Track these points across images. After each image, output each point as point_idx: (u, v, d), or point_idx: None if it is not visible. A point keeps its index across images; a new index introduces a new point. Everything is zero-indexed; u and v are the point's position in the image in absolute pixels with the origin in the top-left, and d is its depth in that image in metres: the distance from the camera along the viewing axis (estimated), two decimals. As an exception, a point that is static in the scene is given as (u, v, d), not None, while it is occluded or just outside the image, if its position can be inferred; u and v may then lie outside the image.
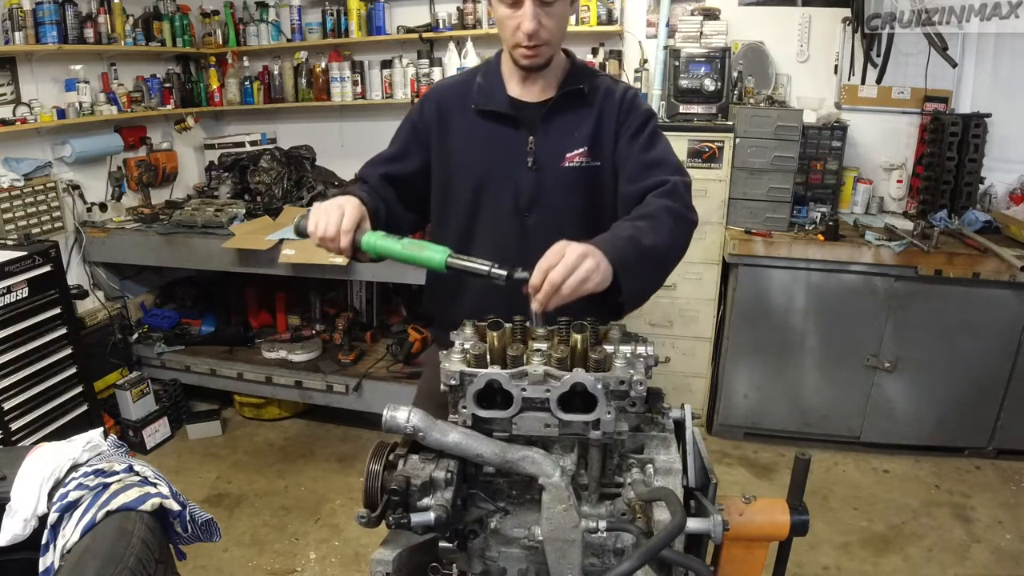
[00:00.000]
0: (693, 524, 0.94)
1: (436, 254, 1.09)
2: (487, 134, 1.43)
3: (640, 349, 1.03)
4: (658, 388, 1.12)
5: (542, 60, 1.35)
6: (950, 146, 3.07)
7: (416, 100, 1.53)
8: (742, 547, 1.06)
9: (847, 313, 3.01)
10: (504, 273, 1.08)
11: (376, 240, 1.16)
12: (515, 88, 1.43)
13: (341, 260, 2.86)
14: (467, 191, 1.45)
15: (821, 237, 2.96)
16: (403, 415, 0.95)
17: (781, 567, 1.09)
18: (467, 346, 1.04)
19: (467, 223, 1.47)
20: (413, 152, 1.47)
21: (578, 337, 1.00)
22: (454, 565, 1.07)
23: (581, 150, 1.42)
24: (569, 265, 1.03)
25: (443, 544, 1.05)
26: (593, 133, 1.42)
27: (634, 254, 1.14)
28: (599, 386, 0.94)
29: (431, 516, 0.91)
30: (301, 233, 1.22)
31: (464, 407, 0.98)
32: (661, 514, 0.93)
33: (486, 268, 1.08)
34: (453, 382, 0.97)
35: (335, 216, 1.18)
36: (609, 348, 1.03)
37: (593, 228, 1.42)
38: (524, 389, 0.96)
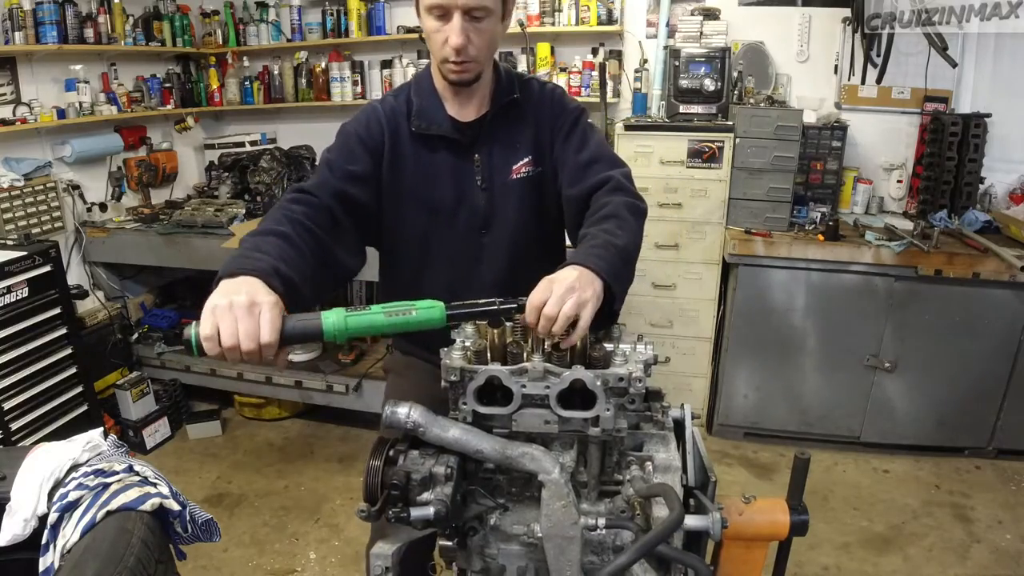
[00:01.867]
0: (692, 521, 0.95)
1: (432, 311, 0.96)
2: (434, 158, 1.39)
3: (639, 348, 1.04)
4: (657, 388, 1.13)
5: (470, 76, 1.31)
6: (950, 146, 3.07)
7: (357, 114, 1.45)
8: (742, 547, 1.06)
9: (847, 313, 3.01)
10: (514, 305, 1.01)
11: (345, 320, 0.93)
12: (453, 107, 1.39)
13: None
14: (421, 217, 1.41)
15: (821, 237, 2.96)
16: (403, 411, 0.96)
17: (781, 567, 1.09)
18: (467, 343, 1.04)
19: (422, 247, 1.43)
20: (369, 170, 1.35)
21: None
22: (454, 564, 1.07)
23: (526, 159, 1.41)
24: (559, 299, 0.98)
25: (442, 542, 1.05)
26: (534, 140, 1.41)
27: (617, 259, 1.12)
28: (598, 383, 0.94)
29: (431, 511, 0.91)
30: (197, 349, 0.95)
31: (464, 403, 0.98)
32: (660, 511, 0.94)
33: (491, 304, 1.01)
34: (453, 378, 0.98)
35: (248, 322, 0.92)
36: (609, 346, 1.04)
37: (542, 235, 1.46)
38: (524, 385, 0.96)
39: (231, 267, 1.05)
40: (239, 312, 0.92)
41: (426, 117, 1.38)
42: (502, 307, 1.01)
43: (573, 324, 1.00)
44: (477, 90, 1.38)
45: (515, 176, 1.41)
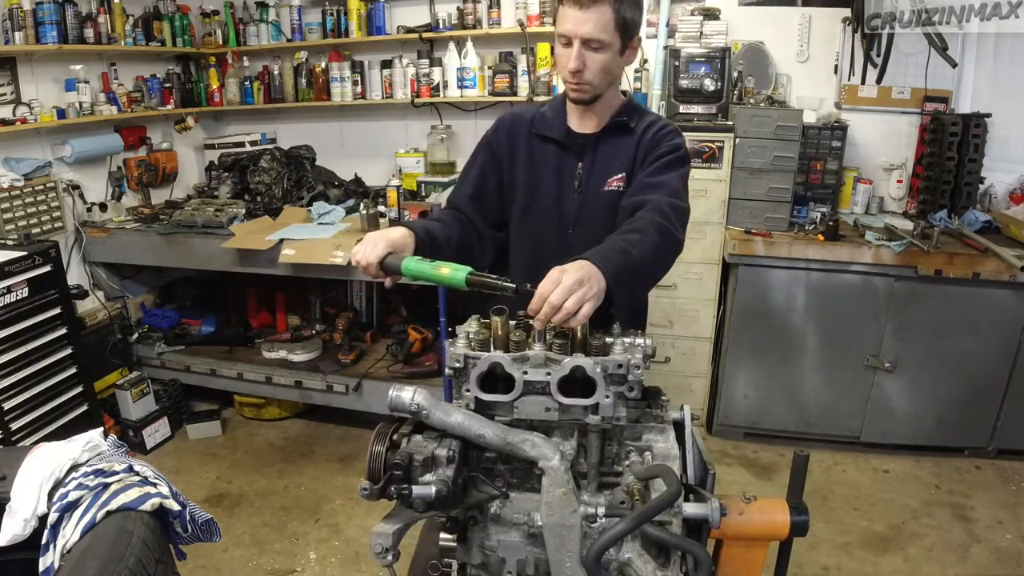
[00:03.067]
0: (691, 509, 0.96)
1: (458, 272, 1.15)
2: (542, 158, 1.61)
3: (639, 340, 1.05)
4: (656, 386, 1.14)
5: (586, 96, 1.51)
6: (950, 146, 3.07)
7: (492, 126, 1.72)
8: (742, 547, 1.06)
9: (847, 313, 3.01)
10: (515, 287, 1.11)
11: (410, 264, 1.24)
12: (574, 120, 1.60)
13: (341, 260, 2.87)
14: (521, 208, 1.63)
15: (821, 237, 2.96)
16: (408, 394, 0.98)
17: (782, 567, 1.09)
18: (471, 332, 1.07)
19: (519, 235, 1.66)
20: (490, 172, 1.65)
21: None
22: (453, 562, 1.08)
23: (620, 175, 1.57)
24: (567, 289, 1.06)
25: (443, 541, 1.06)
26: (631, 161, 1.57)
27: (625, 267, 1.20)
28: (598, 369, 0.96)
29: (432, 490, 0.92)
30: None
31: (467, 390, 1.00)
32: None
33: (506, 283, 1.12)
34: (457, 364, 1.01)
35: (369, 245, 1.29)
36: (609, 338, 1.05)
37: None
38: (526, 372, 0.99)
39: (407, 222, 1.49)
40: (368, 240, 1.31)
41: (546, 122, 1.62)
42: (512, 285, 1.11)
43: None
44: (599, 110, 1.57)
45: (607, 188, 1.57)
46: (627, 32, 1.47)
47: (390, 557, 0.98)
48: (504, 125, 1.67)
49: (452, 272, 1.16)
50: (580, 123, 1.60)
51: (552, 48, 3.51)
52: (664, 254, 1.34)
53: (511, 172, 1.64)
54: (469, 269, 1.15)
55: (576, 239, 1.58)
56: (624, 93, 1.64)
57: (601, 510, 0.98)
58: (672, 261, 1.40)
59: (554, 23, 1.57)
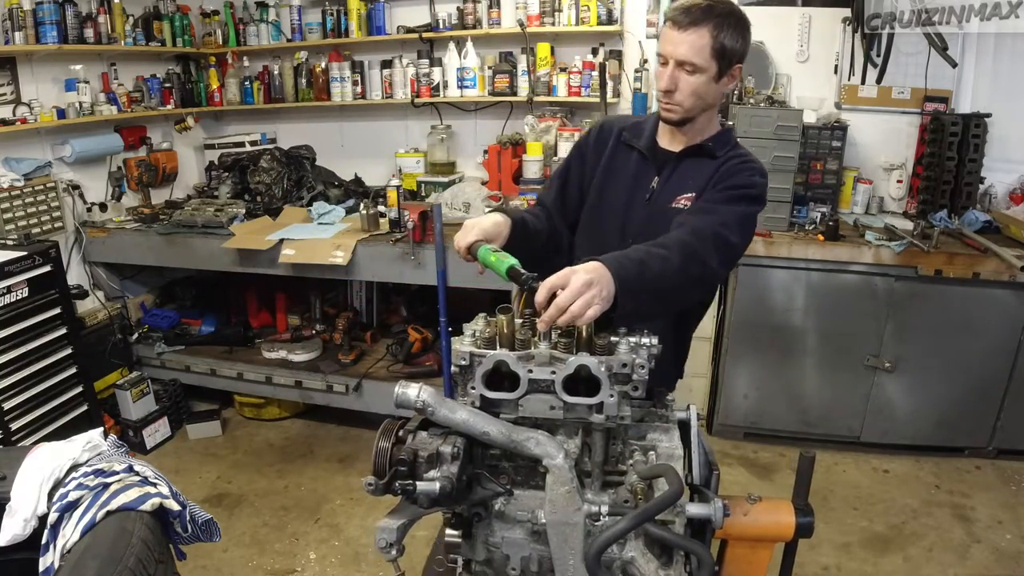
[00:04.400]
0: (695, 508, 0.96)
1: (503, 262, 1.20)
2: (622, 164, 1.63)
3: (643, 340, 1.05)
4: (661, 387, 1.14)
5: (675, 117, 1.51)
6: (950, 146, 3.07)
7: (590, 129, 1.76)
8: (747, 547, 1.06)
9: (847, 313, 3.01)
10: (529, 276, 1.17)
11: (480, 251, 1.30)
12: (664, 137, 1.61)
13: (341, 260, 2.87)
14: (589, 208, 1.66)
15: (821, 237, 2.96)
16: (414, 391, 0.98)
17: (787, 569, 1.09)
18: (477, 330, 1.08)
19: (586, 232, 1.67)
20: (575, 173, 1.69)
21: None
22: (458, 558, 1.08)
23: (690, 195, 1.56)
24: (575, 291, 1.06)
25: (448, 537, 1.06)
26: (704, 185, 1.55)
27: (638, 278, 1.18)
28: (602, 368, 0.96)
29: (436, 486, 0.92)
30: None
31: (473, 388, 1.00)
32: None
33: (529, 282, 1.16)
34: (463, 362, 1.01)
35: (462, 232, 1.35)
36: (613, 338, 1.06)
37: None
38: (531, 371, 0.99)
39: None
40: (465, 227, 1.36)
41: (636, 132, 1.64)
42: (537, 286, 1.13)
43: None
44: (689, 132, 1.57)
45: (675, 205, 1.56)
46: (724, 59, 1.48)
47: (394, 552, 0.98)
48: (597, 128, 1.71)
49: (498, 260, 1.22)
50: (669, 142, 1.61)
51: (552, 48, 3.52)
52: (685, 279, 1.29)
53: (591, 173, 1.67)
54: (514, 262, 1.19)
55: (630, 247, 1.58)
56: (723, 123, 1.64)
57: (605, 508, 0.98)
58: (697, 290, 1.40)
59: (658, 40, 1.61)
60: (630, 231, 1.58)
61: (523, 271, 1.18)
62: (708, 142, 1.56)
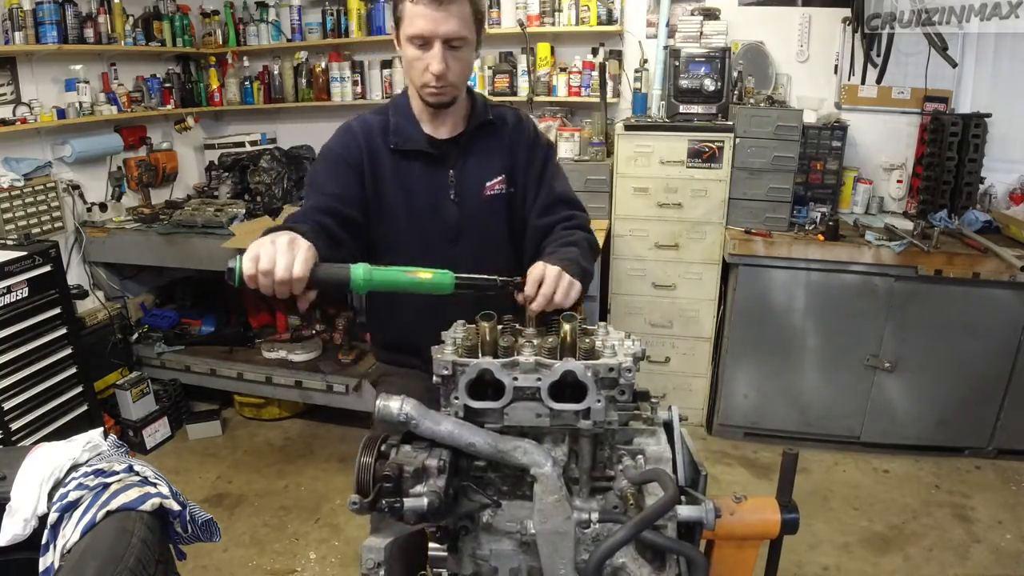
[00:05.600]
0: (685, 512, 0.95)
1: (443, 277, 1.11)
2: (410, 172, 1.49)
3: (627, 342, 1.04)
4: (645, 389, 1.14)
5: (448, 98, 1.43)
6: (950, 146, 3.07)
7: (334, 135, 1.56)
8: (733, 546, 1.06)
9: (847, 313, 3.01)
10: (513, 281, 1.22)
11: (372, 274, 1.05)
12: (428, 126, 1.51)
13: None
14: (399, 226, 1.51)
15: (821, 237, 2.96)
16: (396, 404, 0.95)
17: (773, 566, 1.09)
18: (458, 338, 1.05)
19: (399, 256, 1.43)
20: (353, 187, 1.46)
21: (567, 328, 1.01)
22: (443, 571, 1.06)
23: (499, 178, 1.53)
24: (552, 279, 1.21)
25: (433, 551, 1.05)
26: (508, 163, 1.54)
27: (580, 276, 1.30)
28: (589, 373, 0.95)
29: (424, 502, 0.90)
30: (239, 276, 1.03)
31: (456, 398, 0.98)
32: (653, 502, 0.94)
33: (494, 279, 1.18)
34: (445, 372, 0.98)
35: (287, 256, 1.01)
36: (598, 341, 1.05)
37: (512, 251, 1.59)
38: (516, 378, 0.97)
39: (276, 227, 1.20)
40: (280, 247, 1.02)
41: (402, 134, 1.49)
42: (503, 282, 1.18)
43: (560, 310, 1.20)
44: (453, 111, 1.50)
45: (488, 193, 1.53)
46: (481, 24, 1.43)
47: (382, 572, 0.96)
48: (356, 137, 1.49)
49: (434, 277, 1.09)
50: (435, 128, 1.51)
51: (552, 48, 3.52)
52: (594, 264, 1.47)
53: (376, 189, 1.49)
54: (451, 274, 1.11)
55: (462, 250, 1.51)
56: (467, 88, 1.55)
57: (595, 515, 0.97)
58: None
59: (396, 23, 1.40)
60: (449, 235, 1.52)
61: (475, 275, 1.16)
62: (482, 117, 1.52)
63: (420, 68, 1.37)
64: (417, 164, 1.49)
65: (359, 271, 1.05)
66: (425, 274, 1.09)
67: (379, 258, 1.52)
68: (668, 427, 1.11)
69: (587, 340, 1.02)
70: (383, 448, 0.97)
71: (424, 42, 1.34)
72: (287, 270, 1.00)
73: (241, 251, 1.05)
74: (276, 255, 1.01)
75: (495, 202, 1.53)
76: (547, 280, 1.21)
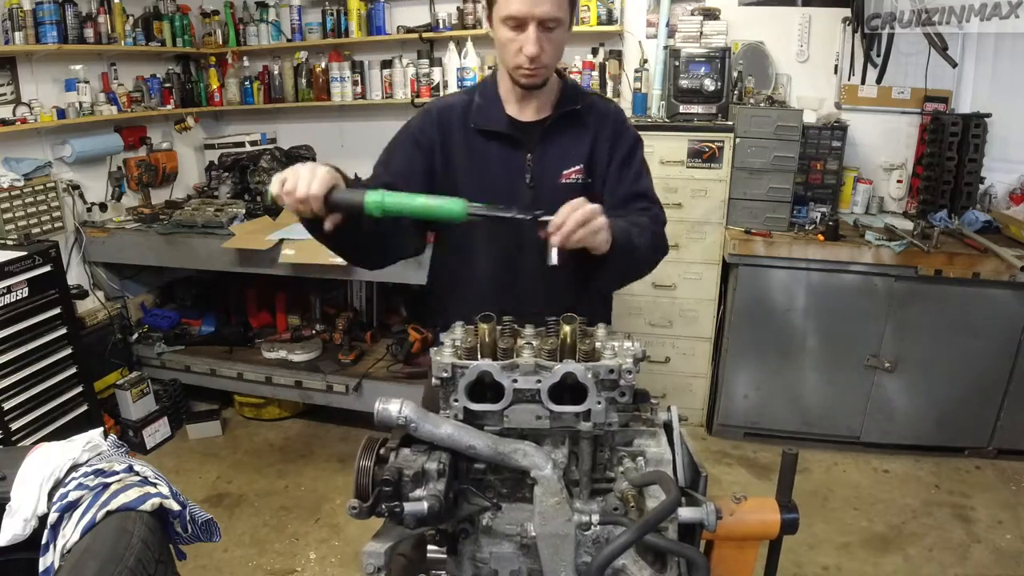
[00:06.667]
0: (686, 513, 0.95)
1: (455, 205, 1.10)
2: (487, 153, 1.47)
3: (627, 344, 1.04)
4: (644, 389, 1.13)
5: (540, 80, 1.41)
6: (950, 146, 3.07)
7: (415, 115, 1.56)
8: (733, 547, 1.06)
9: (847, 313, 3.01)
10: (528, 217, 1.16)
11: (383, 198, 1.11)
12: (513, 108, 1.48)
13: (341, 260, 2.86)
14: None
15: (821, 237, 2.96)
16: (395, 407, 0.95)
17: (772, 566, 1.09)
18: (458, 340, 1.04)
19: (470, 236, 1.51)
20: (417, 167, 1.47)
21: (567, 329, 1.00)
22: (443, 574, 1.06)
23: (577, 167, 1.49)
24: (587, 212, 1.16)
25: (432, 553, 1.05)
26: (589, 152, 1.49)
27: (625, 243, 1.27)
28: (589, 375, 0.94)
29: (424, 506, 0.90)
30: (273, 201, 1.17)
31: (455, 400, 0.98)
32: (653, 504, 0.94)
33: (510, 213, 1.15)
34: (444, 374, 0.97)
35: (306, 176, 1.15)
36: (598, 343, 1.04)
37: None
38: (515, 380, 0.96)
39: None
40: (303, 170, 1.16)
41: (484, 114, 1.47)
42: (517, 215, 1.15)
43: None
44: (541, 94, 1.47)
45: (564, 180, 1.48)
46: (575, 4, 1.40)
47: None
48: (431, 118, 1.50)
49: (444, 203, 1.10)
50: (520, 110, 1.48)
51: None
52: (653, 255, 1.43)
53: (447, 170, 1.49)
54: (463, 201, 1.12)
55: (530, 237, 1.47)
56: (559, 72, 1.53)
57: (595, 517, 0.97)
58: (653, 267, 1.49)
59: (488, 4, 1.39)
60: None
61: (495, 208, 1.14)
62: (568, 105, 1.48)
63: (513, 50, 1.35)
64: (495, 145, 1.47)
65: (373, 195, 1.11)
66: (436, 200, 1.12)
67: (445, 238, 1.60)
68: (668, 428, 1.11)
69: (587, 342, 1.01)
70: (382, 452, 0.97)
71: (518, 23, 1.32)
72: (306, 188, 1.13)
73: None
74: (298, 176, 1.14)
75: (570, 191, 1.45)
76: (579, 211, 1.16)
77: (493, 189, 1.46)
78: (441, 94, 3.64)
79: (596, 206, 1.18)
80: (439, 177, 1.49)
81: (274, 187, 1.16)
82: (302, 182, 1.14)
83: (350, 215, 1.18)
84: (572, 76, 1.60)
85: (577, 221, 1.15)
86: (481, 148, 1.47)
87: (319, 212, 1.15)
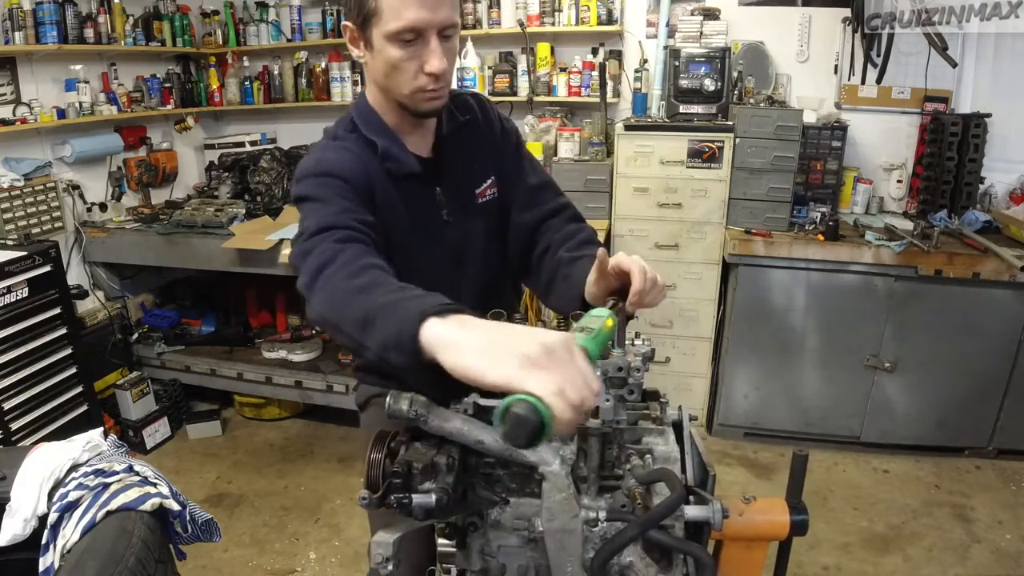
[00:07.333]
0: (693, 511, 0.96)
1: (601, 324, 0.94)
2: (402, 198, 1.25)
3: (637, 342, 1.05)
4: (655, 388, 1.14)
5: (444, 101, 1.20)
6: (950, 146, 3.07)
7: (327, 152, 1.24)
8: (742, 547, 1.06)
9: (847, 313, 3.01)
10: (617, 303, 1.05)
11: (587, 343, 0.85)
12: (410, 143, 1.27)
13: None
14: (397, 257, 1.21)
15: (821, 237, 2.96)
16: (406, 401, 0.97)
17: (782, 567, 1.09)
18: None
19: (407, 259, 1.27)
20: (367, 213, 1.16)
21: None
22: (452, 567, 1.07)
23: (489, 181, 1.33)
24: (653, 276, 1.07)
25: (441, 547, 1.06)
26: (493, 158, 1.34)
27: None
28: (598, 373, 0.95)
29: (432, 498, 0.91)
30: (549, 426, 0.69)
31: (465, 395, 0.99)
32: (660, 501, 0.94)
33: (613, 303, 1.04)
34: None
35: (582, 369, 0.74)
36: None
37: (506, 261, 1.39)
38: None
39: (437, 310, 0.83)
40: (563, 356, 0.73)
41: (394, 158, 1.23)
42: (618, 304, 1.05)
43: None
44: (427, 121, 1.26)
45: (480, 200, 1.33)
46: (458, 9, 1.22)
47: (390, 567, 0.97)
48: (358, 157, 1.22)
49: (602, 329, 0.94)
50: (415, 142, 1.27)
51: (552, 48, 3.52)
52: None
53: (389, 218, 1.22)
54: (606, 311, 0.99)
55: (464, 272, 1.34)
56: None
57: (602, 514, 0.98)
58: None
59: (360, 23, 1.14)
60: (453, 258, 1.32)
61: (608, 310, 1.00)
62: (456, 117, 1.29)
63: (411, 70, 1.13)
64: (409, 187, 1.25)
65: (583, 343, 0.83)
66: (606, 321, 0.94)
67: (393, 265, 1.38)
68: (677, 427, 1.12)
69: None
70: (393, 445, 0.98)
71: (417, 35, 1.09)
72: (591, 386, 0.73)
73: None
74: (577, 376, 0.73)
75: (487, 210, 1.33)
76: (651, 276, 1.06)
77: (416, 234, 1.27)
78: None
79: (645, 264, 1.05)
80: (383, 223, 1.24)
81: (556, 406, 0.69)
82: (586, 382, 0.73)
83: None
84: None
85: (654, 279, 1.06)
86: (396, 195, 1.24)
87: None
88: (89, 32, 3.21)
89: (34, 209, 3.04)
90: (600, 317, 0.95)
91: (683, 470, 1.06)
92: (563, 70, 3.52)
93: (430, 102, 1.17)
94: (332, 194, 1.14)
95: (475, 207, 1.32)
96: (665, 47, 3.29)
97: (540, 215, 1.32)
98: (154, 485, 1.40)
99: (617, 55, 3.51)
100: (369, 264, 1.00)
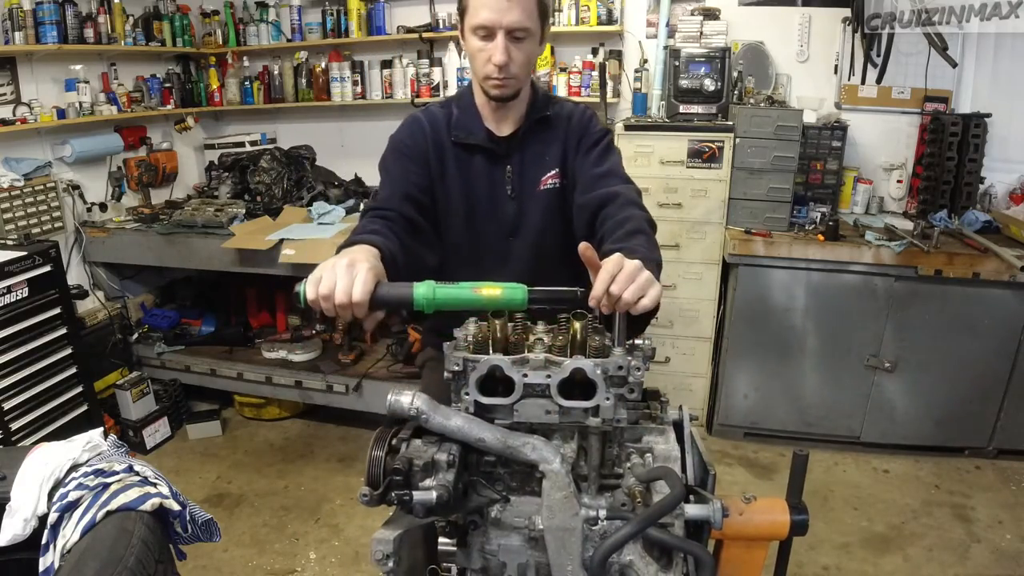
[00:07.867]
0: (693, 510, 0.96)
1: (515, 292, 1.01)
2: (470, 166, 1.50)
3: (638, 341, 1.05)
4: (655, 388, 1.14)
5: (510, 91, 1.42)
6: (950, 146, 3.07)
7: (401, 127, 1.54)
8: (742, 547, 1.06)
9: (847, 313, 3.01)
10: (580, 290, 1.05)
11: (434, 291, 1.00)
12: (490, 121, 1.50)
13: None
14: (458, 218, 1.52)
15: (821, 237, 2.96)
16: (407, 399, 0.97)
17: (782, 567, 1.09)
18: (469, 334, 1.06)
19: (456, 248, 1.54)
20: (422, 177, 1.48)
21: (578, 325, 1.01)
22: (453, 567, 1.07)
23: (553, 172, 1.52)
24: (626, 276, 1.01)
25: (442, 545, 1.06)
26: (561, 155, 1.52)
27: (657, 272, 1.17)
28: (598, 371, 0.95)
29: (432, 495, 0.92)
30: (304, 299, 1.05)
31: (467, 393, 0.99)
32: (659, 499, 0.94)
33: (573, 290, 1.04)
34: (456, 368, 0.99)
35: (345, 279, 1.01)
36: (607, 339, 1.05)
37: (564, 242, 1.51)
38: (525, 375, 0.97)
39: (346, 241, 1.21)
40: (340, 270, 1.02)
41: (464, 127, 1.49)
42: (583, 293, 1.04)
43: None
44: (514, 106, 1.48)
45: (542, 187, 1.51)
46: (546, 18, 1.41)
47: (391, 564, 0.97)
48: (422, 128, 1.50)
49: (504, 292, 1.00)
50: (497, 124, 1.50)
51: (552, 48, 3.52)
52: (657, 244, 1.33)
53: (442, 182, 1.51)
54: (524, 287, 1.02)
55: (517, 245, 1.54)
56: (531, 81, 1.53)
57: (603, 513, 0.98)
58: None
59: (460, 16, 1.41)
60: (506, 230, 1.53)
61: (552, 287, 1.03)
62: (539, 113, 1.50)
63: (483, 59, 1.37)
64: (478, 158, 1.50)
65: (421, 289, 1.01)
66: (494, 290, 1.00)
67: (448, 251, 1.56)
68: (677, 426, 1.12)
69: (597, 338, 1.02)
70: (394, 442, 0.99)
71: (487, 33, 1.34)
72: (346, 294, 1.00)
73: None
74: (336, 279, 1.01)
75: (548, 196, 1.52)
76: (620, 276, 1.00)
77: (478, 201, 1.52)
78: (441, 94, 3.65)
79: (635, 263, 1.03)
80: (435, 187, 1.51)
81: (309, 292, 1.03)
82: (341, 286, 1.00)
83: (392, 270, 1.11)
84: (543, 84, 1.62)
85: (613, 296, 1.00)
86: (466, 162, 1.50)
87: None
88: (89, 32, 3.21)
89: (34, 209, 3.04)
90: (486, 286, 1.01)
91: (683, 469, 1.06)
92: (563, 70, 3.52)
93: (496, 88, 1.41)
94: (394, 164, 1.47)
95: (537, 191, 1.51)
96: (665, 47, 3.29)
97: (595, 199, 1.42)
98: (154, 485, 1.40)
99: (617, 55, 3.51)
100: (372, 227, 1.28)
